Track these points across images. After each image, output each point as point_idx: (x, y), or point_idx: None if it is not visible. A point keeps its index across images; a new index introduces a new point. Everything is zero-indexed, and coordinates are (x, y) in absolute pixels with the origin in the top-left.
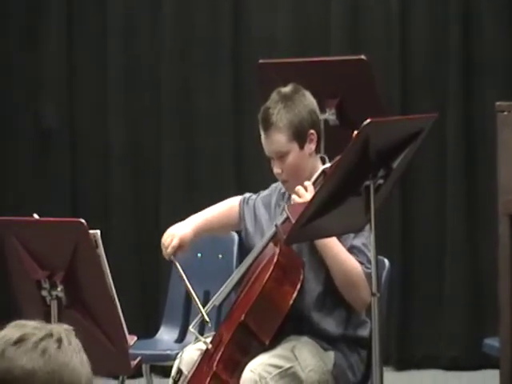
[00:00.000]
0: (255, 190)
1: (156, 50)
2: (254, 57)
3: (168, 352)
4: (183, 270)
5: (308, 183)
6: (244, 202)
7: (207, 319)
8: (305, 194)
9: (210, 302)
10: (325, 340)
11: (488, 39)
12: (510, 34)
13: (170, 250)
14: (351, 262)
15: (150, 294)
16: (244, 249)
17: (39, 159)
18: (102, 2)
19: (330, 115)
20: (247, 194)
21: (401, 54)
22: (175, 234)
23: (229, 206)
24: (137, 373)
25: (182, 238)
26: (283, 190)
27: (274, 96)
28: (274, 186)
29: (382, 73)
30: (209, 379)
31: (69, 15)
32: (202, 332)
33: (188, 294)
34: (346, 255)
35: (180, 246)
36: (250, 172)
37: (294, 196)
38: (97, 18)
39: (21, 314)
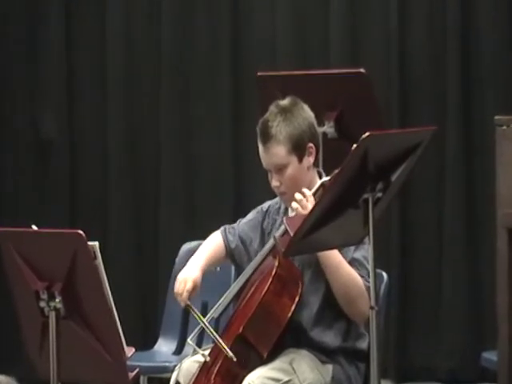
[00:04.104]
0: (253, 204)
1: (155, 62)
2: (253, 68)
3: (166, 364)
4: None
5: (308, 193)
6: (226, 233)
7: (232, 357)
8: (307, 205)
9: (209, 314)
10: (323, 353)
11: (486, 51)
12: (508, 46)
13: (185, 294)
14: (352, 275)
15: (148, 305)
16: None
17: (38, 170)
18: (100, 10)
19: (328, 128)
20: (226, 226)
21: (399, 66)
22: (187, 279)
23: (215, 240)
24: None
25: (195, 281)
26: (278, 205)
27: (273, 109)
28: (259, 207)
29: (380, 85)
30: None
31: (67, 24)
32: (200, 344)
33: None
34: (347, 268)
35: (193, 289)
36: (248, 185)
37: (295, 205)
38: (95, 27)
39: (19, 324)
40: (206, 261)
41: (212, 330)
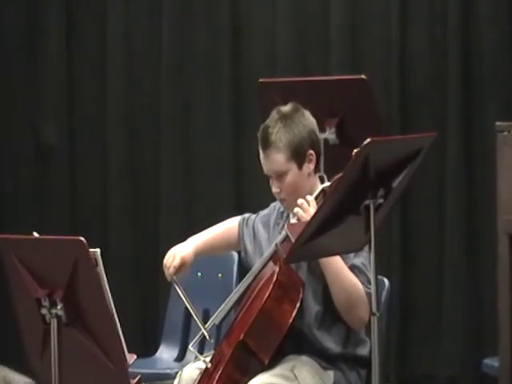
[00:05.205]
0: (254, 207)
1: (155, 62)
2: (253, 67)
3: (167, 371)
4: (184, 290)
5: (310, 198)
6: (243, 223)
7: (207, 337)
8: (309, 209)
9: (210, 321)
10: (324, 359)
11: (488, 56)
12: (510, 51)
13: (171, 269)
14: (353, 281)
15: (149, 312)
16: (244, 268)
17: (39, 176)
18: (101, 17)
19: (329, 134)
20: (246, 215)
21: (400, 71)
22: (176, 254)
23: (228, 226)
24: None
25: (184, 258)
26: (282, 209)
27: (274, 115)
28: (273, 205)
29: (381, 91)
30: None
31: (67, 24)
32: (201, 351)
33: (189, 312)
34: (348, 274)
35: (181, 266)
36: (249, 188)
37: (296, 210)
38: (96, 33)
39: (20, 331)
40: (205, 242)
41: (192, 312)
